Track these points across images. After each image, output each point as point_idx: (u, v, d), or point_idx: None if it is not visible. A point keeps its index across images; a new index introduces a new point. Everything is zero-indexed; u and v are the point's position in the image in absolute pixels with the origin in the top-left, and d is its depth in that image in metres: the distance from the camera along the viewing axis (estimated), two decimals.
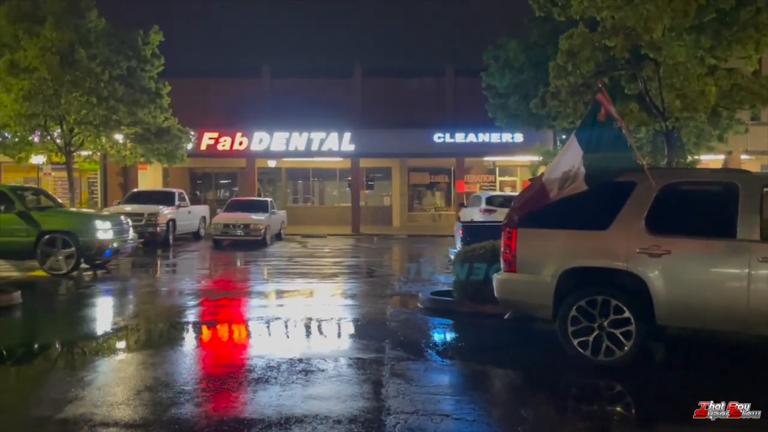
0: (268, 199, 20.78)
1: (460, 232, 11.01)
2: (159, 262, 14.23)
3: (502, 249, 6.60)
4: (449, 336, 7.62)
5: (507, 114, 20.81)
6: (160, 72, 19.89)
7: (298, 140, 25.09)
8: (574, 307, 6.00)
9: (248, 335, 7.52)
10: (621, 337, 5.81)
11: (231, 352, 6.62)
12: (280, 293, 10.48)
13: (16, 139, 18.53)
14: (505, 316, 6.78)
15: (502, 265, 6.61)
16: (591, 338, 5.92)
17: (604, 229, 6.05)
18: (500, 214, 18.73)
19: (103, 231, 11.98)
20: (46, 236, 11.56)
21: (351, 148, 25.14)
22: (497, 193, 23.73)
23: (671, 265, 5.75)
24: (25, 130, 17.85)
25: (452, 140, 25.31)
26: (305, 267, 14.00)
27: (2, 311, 8.35)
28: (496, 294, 6.69)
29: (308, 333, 7.51)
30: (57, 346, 7.04)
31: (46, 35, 16.99)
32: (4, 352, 6.71)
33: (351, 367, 5.84)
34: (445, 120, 25.87)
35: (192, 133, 21.23)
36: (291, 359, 6.02)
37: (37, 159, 21.26)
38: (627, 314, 5.81)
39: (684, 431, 4.51)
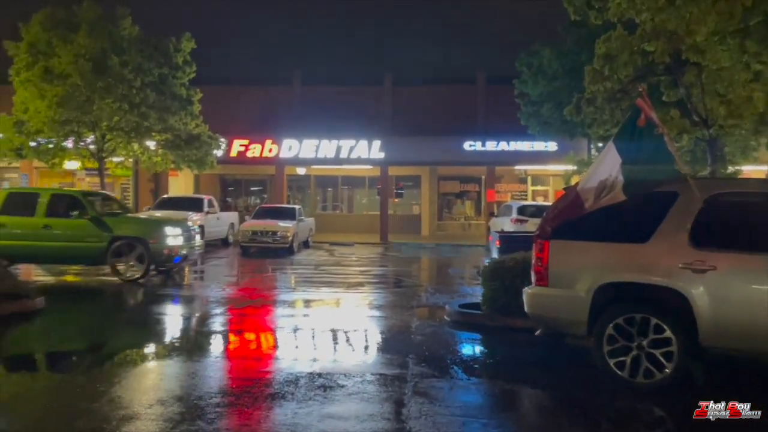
0: (296, 207, 20.67)
1: (497, 242, 10.64)
2: (186, 269, 14.15)
3: (533, 261, 6.27)
4: (476, 351, 7.28)
5: (540, 122, 20.39)
6: (192, 79, 20.02)
7: (327, 147, 25.01)
8: (611, 325, 5.63)
9: (269, 347, 7.30)
10: (661, 357, 5.42)
11: (250, 365, 6.39)
12: (304, 303, 10.27)
13: (51, 145, 18.78)
14: (536, 333, 6.42)
15: (533, 278, 6.28)
16: (629, 359, 5.55)
17: (643, 242, 5.67)
18: (532, 225, 18.28)
19: (173, 237, 11.84)
20: (117, 242, 11.45)
21: (380, 155, 24.94)
22: (529, 202, 23.22)
23: (717, 281, 5.35)
24: (58, 136, 18.08)
25: (483, 148, 24.90)
26: (331, 276, 13.79)
27: (23, 317, 8.29)
28: (526, 309, 6.36)
29: (329, 345, 7.25)
30: (69, 354, 6.92)
31: (79, 42, 17.22)
32: (15, 360, 6.62)
33: (372, 383, 5.56)
34: (476, 128, 25.50)
35: (222, 140, 21.30)
36: (311, 373, 5.77)
37: (71, 164, 21.61)
38: (668, 333, 5.43)
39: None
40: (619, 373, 5.53)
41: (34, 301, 8.78)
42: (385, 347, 7.14)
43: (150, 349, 7.07)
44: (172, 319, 9.21)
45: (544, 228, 6.22)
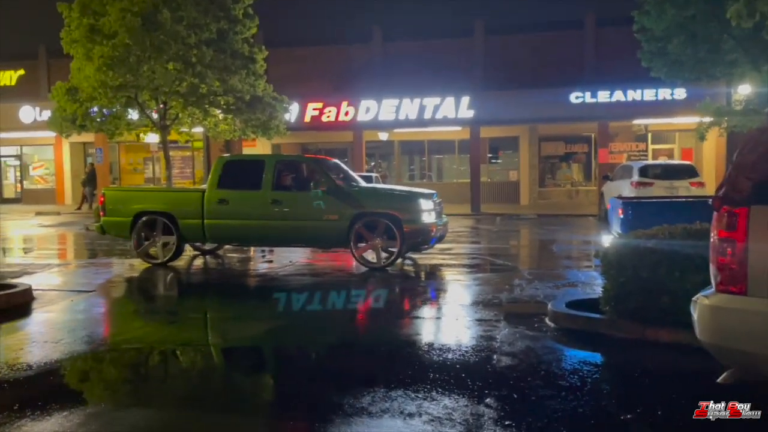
0: (373, 174, 18.28)
1: (620, 211, 7.61)
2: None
3: (714, 246, 3.36)
4: (598, 392, 4.42)
5: (667, 62, 16.48)
6: (261, 41, 18.06)
7: (408, 108, 22.24)
8: None
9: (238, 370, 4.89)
10: None
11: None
12: (351, 293, 7.81)
13: (109, 113, 17.41)
14: (719, 379, 3.49)
15: (714, 277, 3.38)
16: None
17: None
18: (658, 188, 14.83)
19: (428, 213, 9.29)
20: (364, 219, 9.14)
21: (469, 114, 21.85)
22: (655, 161, 19.38)
23: None
24: (112, 102, 16.60)
25: (593, 100, 21.09)
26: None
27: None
28: (700, 333, 3.45)
29: (352, 375, 4.67)
30: None
31: None
32: None
33: None
34: (585, 77, 21.72)
35: (287, 101, 19.08)
36: None
37: (151, 138, 20.47)
38: None
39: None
40: None
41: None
42: (446, 379, 4.45)
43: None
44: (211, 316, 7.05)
45: (734, 184, 3.29)
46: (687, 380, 4.43)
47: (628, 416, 3.85)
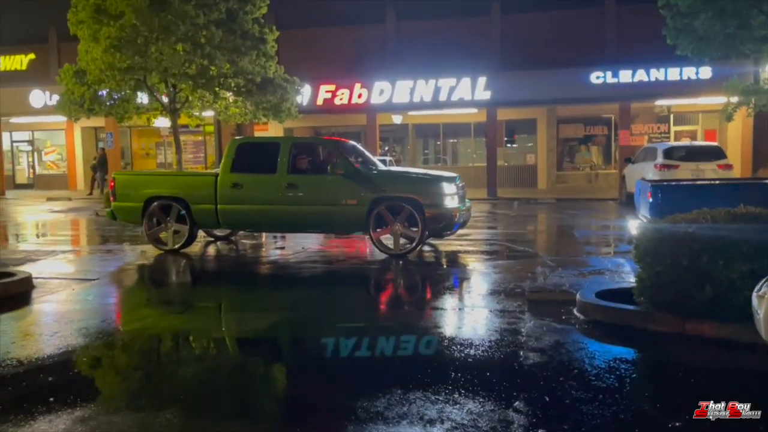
0: (387, 158, 17.84)
1: (648, 194, 7.14)
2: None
3: None
4: (640, 394, 3.98)
5: (693, 38, 15.75)
6: (272, 21, 17.56)
7: (423, 89, 21.63)
8: None
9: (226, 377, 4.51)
10: None
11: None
12: (367, 281, 7.42)
13: (118, 96, 17.08)
14: None
15: None
16: None
17: None
18: (684, 171, 14.26)
19: (451, 197, 8.83)
20: (383, 203, 8.71)
21: (486, 96, 21.21)
22: (680, 143, 18.70)
23: None
24: (119, 85, 16.23)
25: (615, 80, 20.30)
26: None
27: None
28: (765, 333, 3.01)
29: (367, 374, 4.30)
30: None
31: None
32: None
33: None
34: (606, 56, 20.95)
35: (299, 83, 18.56)
36: None
37: (161, 122, 20.15)
38: None
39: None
40: None
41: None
42: (470, 380, 4.03)
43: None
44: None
45: None
46: (738, 381, 3.99)
47: (677, 424, 3.42)
